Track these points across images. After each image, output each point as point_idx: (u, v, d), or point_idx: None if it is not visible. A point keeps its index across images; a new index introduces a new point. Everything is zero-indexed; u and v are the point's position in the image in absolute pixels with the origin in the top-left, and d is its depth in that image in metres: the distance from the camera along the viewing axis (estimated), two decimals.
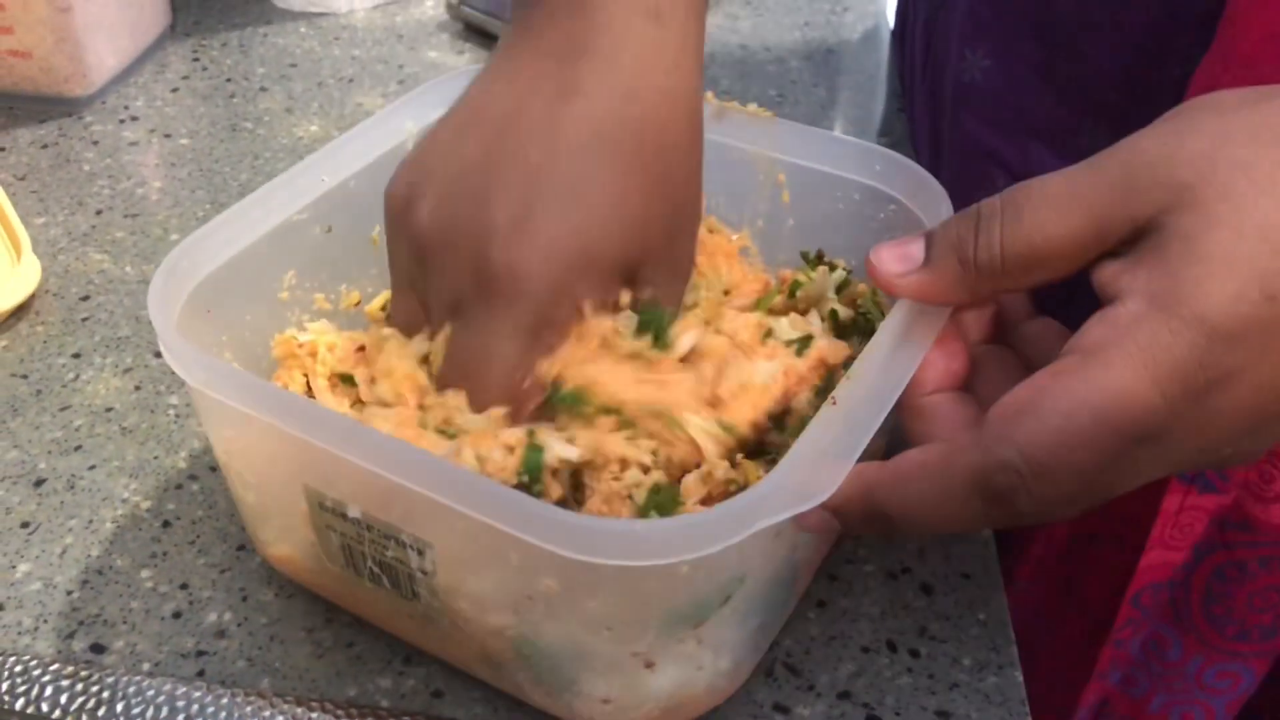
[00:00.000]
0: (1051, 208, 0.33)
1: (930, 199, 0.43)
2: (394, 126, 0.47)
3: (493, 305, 0.37)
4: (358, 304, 0.48)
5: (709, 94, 0.45)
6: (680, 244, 0.41)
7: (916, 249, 0.36)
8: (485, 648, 0.37)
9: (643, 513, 0.36)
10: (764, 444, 0.39)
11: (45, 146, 0.68)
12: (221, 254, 0.42)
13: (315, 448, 0.34)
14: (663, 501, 0.36)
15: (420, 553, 0.35)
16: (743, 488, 0.36)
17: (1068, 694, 0.58)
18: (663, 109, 0.38)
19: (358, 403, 0.41)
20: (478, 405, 0.38)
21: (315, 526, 0.38)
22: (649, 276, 0.39)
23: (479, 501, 0.32)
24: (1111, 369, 0.30)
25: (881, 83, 0.78)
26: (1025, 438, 0.31)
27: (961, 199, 0.59)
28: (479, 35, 0.82)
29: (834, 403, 0.35)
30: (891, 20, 0.83)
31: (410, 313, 0.40)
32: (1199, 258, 0.30)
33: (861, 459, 0.34)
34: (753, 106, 0.47)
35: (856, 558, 0.45)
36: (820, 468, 0.34)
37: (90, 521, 0.46)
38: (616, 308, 0.39)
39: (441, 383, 0.38)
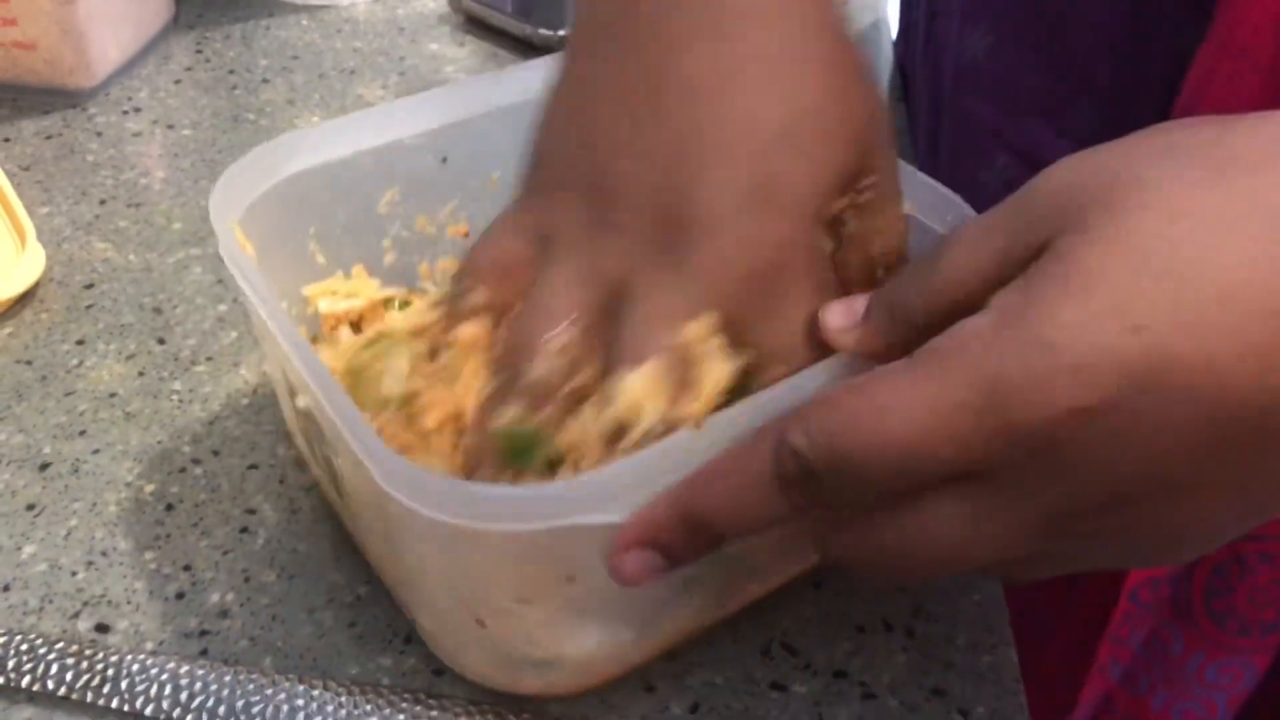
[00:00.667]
0: (964, 248, 0.30)
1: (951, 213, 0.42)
2: (530, 76, 0.45)
3: (776, 292, 0.34)
4: (465, 234, 0.48)
5: None
6: (887, 129, 0.37)
7: (860, 304, 0.34)
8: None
9: (505, 454, 0.35)
10: None
11: (49, 137, 0.69)
12: (319, 155, 0.43)
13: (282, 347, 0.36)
14: (524, 447, 0.34)
15: (336, 457, 0.37)
16: None
17: (1068, 691, 0.58)
18: (811, 16, 0.35)
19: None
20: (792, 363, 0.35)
21: (296, 416, 0.39)
22: (878, 173, 0.36)
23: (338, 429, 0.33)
24: (928, 378, 0.28)
25: (884, 75, 0.78)
26: (814, 425, 0.29)
27: (962, 178, 0.60)
28: (480, 28, 0.82)
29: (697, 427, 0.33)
30: (893, 12, 0.83)
31: (511, 254, 0.36)
32: (1059, 277, 0.27)
33: None
34: None
35: None
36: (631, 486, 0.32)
37: (94, 504, 0.47)
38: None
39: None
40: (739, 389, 0.34)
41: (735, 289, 0.34)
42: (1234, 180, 0.26)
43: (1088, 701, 0.58)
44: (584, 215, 0.35)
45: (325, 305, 0.45)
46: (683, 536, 0.32)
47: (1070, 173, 0.30)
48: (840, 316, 0.34)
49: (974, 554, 0.29)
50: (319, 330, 0.46)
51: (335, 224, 0.44)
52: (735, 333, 0.34)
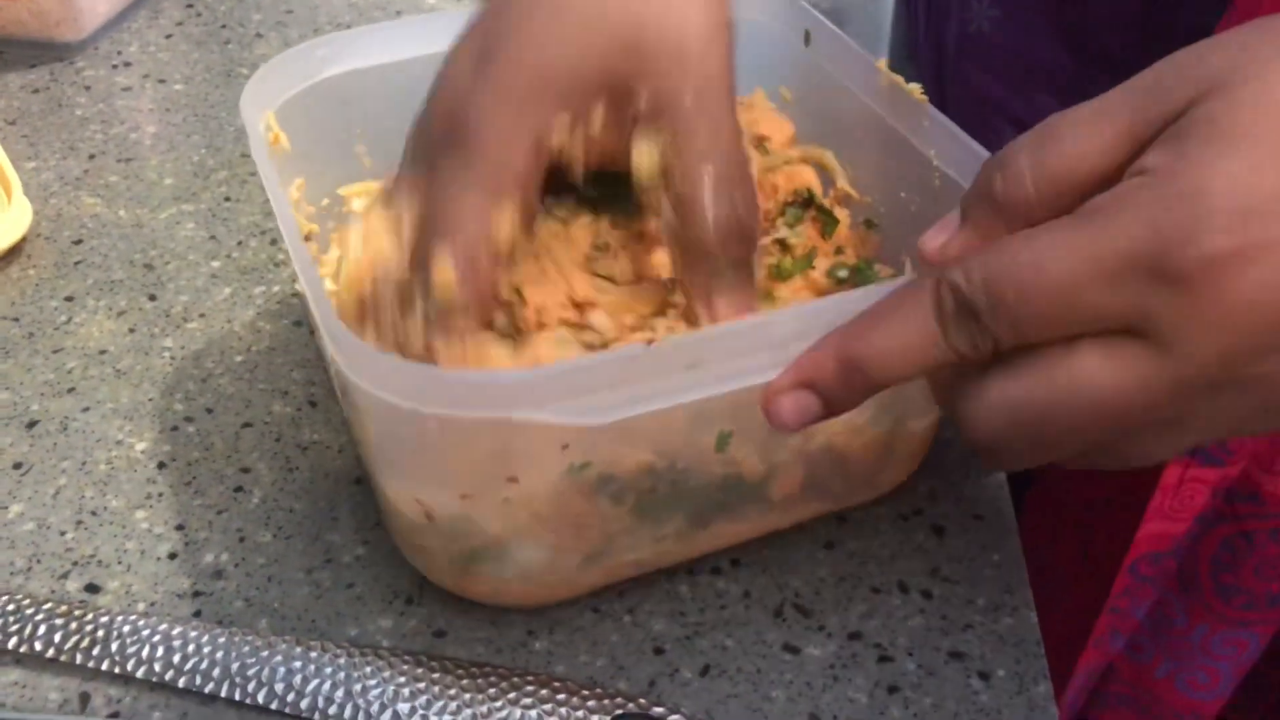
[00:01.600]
0: (1082, 127, 0.31)
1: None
2: None
3: (451, 155, 0.36)
4: None
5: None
6: (691, 50, 0.37)
7: (954, 217, 0.33)
8: None
9: None
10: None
11: (36, 91, 0.67)
12: (369, 57, 0.44)
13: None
14: None
15: None
16: None
17: (1064, 658, 0.57)
18: None
19: None
20: (459, 261, 0.36)
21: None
22: (657, 94, 0.37)
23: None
24: (1086, 228, 0.28)
25: (885, 41, 0.77)
26: (982, 263, 0.29)
27: None
28: None
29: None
30: None
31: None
32: (1214, 136, 0.27)
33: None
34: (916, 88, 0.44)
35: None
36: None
37: (84, 463, 0.45)
38: (614, 128, 0.37)
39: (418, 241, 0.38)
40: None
41: (434, 145, 0.37)
42: None
43: (1083, 671, 0.58)
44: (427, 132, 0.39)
45: (357, 204, 0.46)
46: (840, 379, 0.32)
47: (1195, 48, 0.30)
48: (935, 235, 0.33)
49: (1121, 408, 0.28)
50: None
51: (384, 128, 0.43)
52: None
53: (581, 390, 0.33)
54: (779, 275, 0.43)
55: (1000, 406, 0.30)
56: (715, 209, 0.37)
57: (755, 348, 0.34)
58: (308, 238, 0.46)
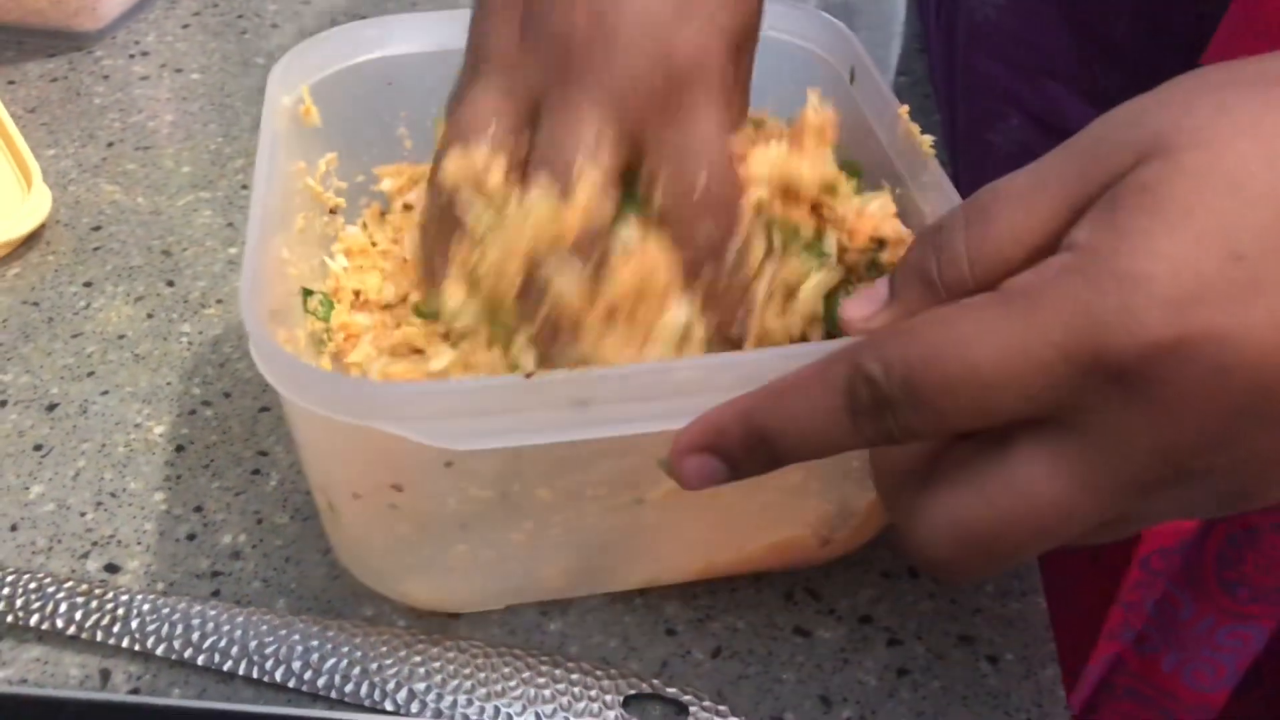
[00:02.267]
0: (1017, 202, 0.28)
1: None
2: None
3: (694, 94, 0.35)
4: None
5: None
6: (711, 67, 0.37)
7: (881, 289, 0.32)
8: None
9: None
10: None
11: (55, 80, 0.67)
12: (422, 43, 0.45)
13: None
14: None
15: None
16: None
17: (1078, 651, 0.58)
18: None
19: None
20: (716, 183, 0.35)
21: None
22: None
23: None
24: (1014, 312, 0.26)
25: (899, 23, 0.77)
26: (892, 352, 0.27)
27: (975, 138, 0.58)
28: None
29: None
30: None
31: (491, 113, 0.36)
32: (1151, 208, 0.25)
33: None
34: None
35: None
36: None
37: (103, 446, 0.46)
38: None
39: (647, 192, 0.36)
40: (627, 196, 0.35)
41: (639, 102, 0.34)
42: None
43: (1097, 664, 0.58)
44: (514, 37, 0.36)
45: (387, 184, 0.47)
46: (744, 449, 0.30)
47: (1134, 105, 0.28)
48: (862, 305, 0.32)
49: (1068, 516, 0.27)
50: (388, 206, 0.48)
51: (429, 113, 0.43)
52: (635, 144, 0.35)
53: (450, 412, 0.32)
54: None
55: (946, 529, 0.28)
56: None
57: (650, 394, 0.33)
58: (333, 211, 0.47)
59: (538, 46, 0.36)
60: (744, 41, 0.37)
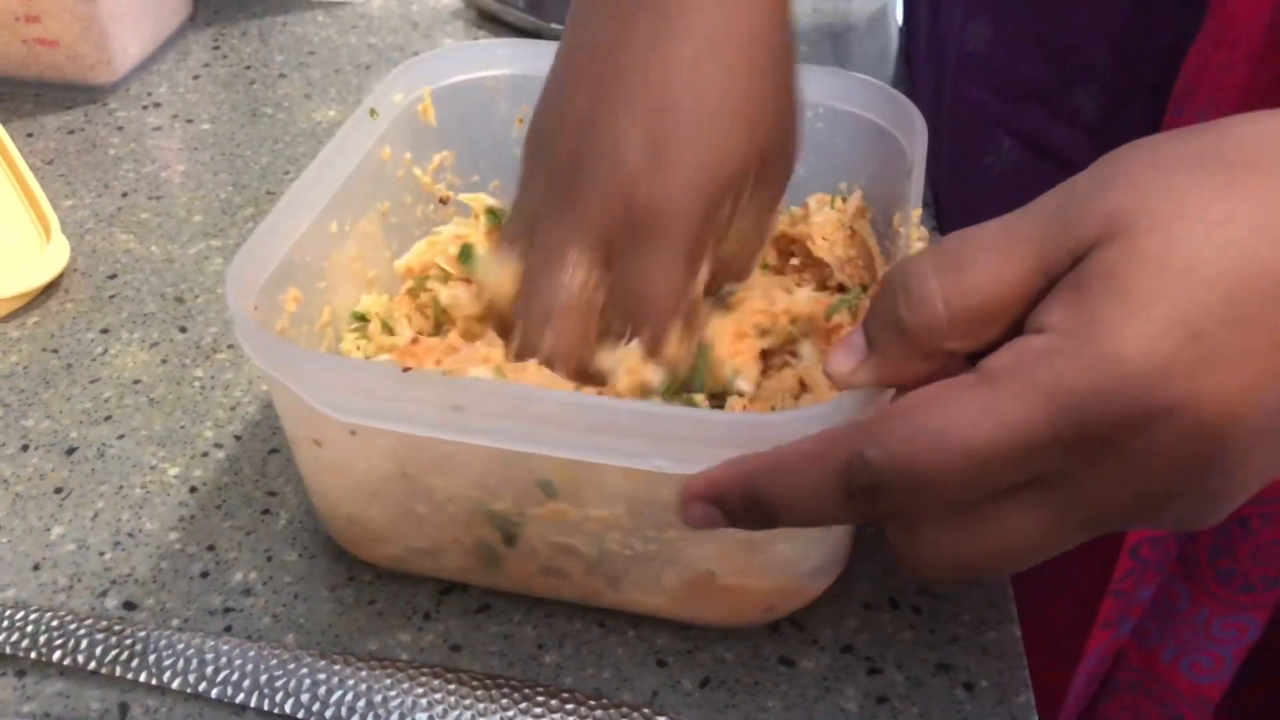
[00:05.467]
0: (991, 254, 0.31)
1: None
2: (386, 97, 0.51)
3: (651, 240, 0.40)
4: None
5: None
6: (791, 136, 0.43)
7: (858, 339, 0.34)
8: None
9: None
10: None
11: (72, 132, 0.70)
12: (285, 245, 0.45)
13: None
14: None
15: None
16: None
17: (1073, 644, 0.59)
18: (758, 11, 0.41)
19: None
20: (652, 332, 0.41)
21: None
22: (766, 174, 0.42)
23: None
24: (1004, 395, 0.29)
25: (890, 64, 0.79)
26: (890, 439, 0.30)
27: (962, 161, 0.61)
28: (493, 23, 0.83)
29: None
30: (898, 3, 0.84)
31: (516, 244, 0.43)
32: (1119, 296, 0.28)
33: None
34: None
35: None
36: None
37: (120, 487, 0.48)
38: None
39: (607, 314, 0.41)
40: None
41: (609, 228, 0.40)
42: (1258, 186, 0.29)
43: (1092, 654, 0.60)
44: (542, 185, 0.42)
45: (465, 196, 0.52)
46: (744, 509, 0.33)
47: (1095, 177, 0.31)
48: (843, 358, 0.34)
49: (1047, 549, 0.31)
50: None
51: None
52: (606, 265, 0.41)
53: (338, 384, 0.37)
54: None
55: (946, 564, 0.32)
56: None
57: (516, 411, 0.35)
58: (443, 201, 0.53)
59: (536, 172, 0.43)
60: (724, 191, 0.41)
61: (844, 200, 0.51)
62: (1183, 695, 0.60)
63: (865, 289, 0.48)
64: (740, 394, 0.44)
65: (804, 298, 0.45)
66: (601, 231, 0.40)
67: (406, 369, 0.36)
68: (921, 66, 0.70)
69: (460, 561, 0.42)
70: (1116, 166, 0.31)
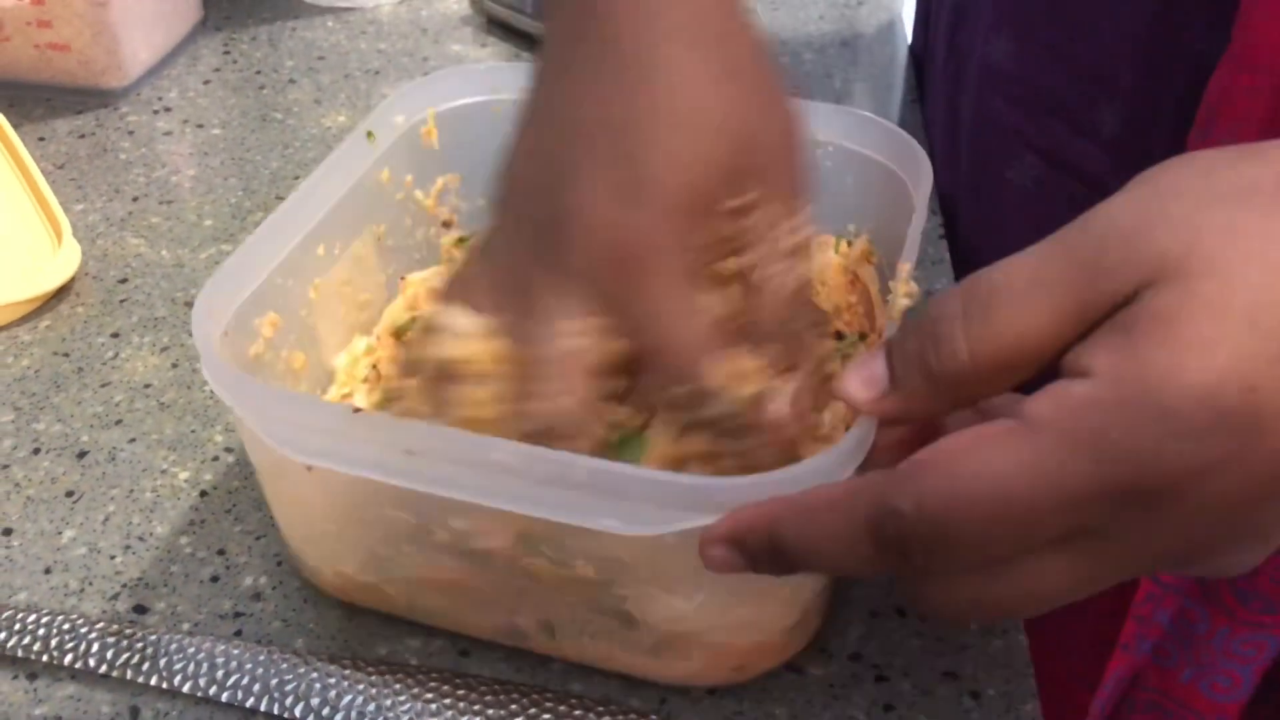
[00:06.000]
0: (1021, 301, 0.29)
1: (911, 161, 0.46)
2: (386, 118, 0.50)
3: (642, 282, 0.36)
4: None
5: None
6: (787, 135, 0.39)
7: (879, 369, 0.33)
8: None
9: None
10: None
11: (83, 136, 0.70)
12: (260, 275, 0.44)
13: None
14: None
15: None
16: None
17: (1093, 664, 0.59)
18: (734, 21, 0.38)
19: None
20: (686, 370, 0.36)
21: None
22: (766, 175, 0.38)
23: None
24: (1044, 447, 0.27)
25: (898, 75, 0.80)
26: (924, 489, 0.29)
27: (982, 175, 0.61)
28: (502, 29, 0.83)
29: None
30: (907, 12, 0.84)
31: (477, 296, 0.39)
32: (1173, 344, 0.27)
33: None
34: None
35: None
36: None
37: (131, 491, 0.48)
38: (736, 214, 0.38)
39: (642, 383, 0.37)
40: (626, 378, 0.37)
41: (605, 279, 0.36)
42: None
43: (1112, 677, 0.60)
44: (510, 237, 0.38)
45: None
46: (767, 554, 0.32)
47: (1140, 214, 0.29)
48: (862, 386, 0.33)
49: (1076, 596, 0.30)
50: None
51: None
52: (612, 317, 0.36)
53: (291, 422, 0.36)
54: None
55: (966, 607, 0.31)
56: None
57: (467, 460, 0.34)
58: (447, 225, 0.53)
59: (506, 224, 0.39)
60: (699, 212, 0.37)
61: (849, 244, 0.50)
62: (1201, 714, 0.59)
63: (863, 337, 0.47)
64: None
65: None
66: (594, 287, 0.36)
67: (357, 410, 0.35)
68: (936, 78, 0.71)
69: (430, 602, 0.42)
70: (1160, 200, 0.29)
